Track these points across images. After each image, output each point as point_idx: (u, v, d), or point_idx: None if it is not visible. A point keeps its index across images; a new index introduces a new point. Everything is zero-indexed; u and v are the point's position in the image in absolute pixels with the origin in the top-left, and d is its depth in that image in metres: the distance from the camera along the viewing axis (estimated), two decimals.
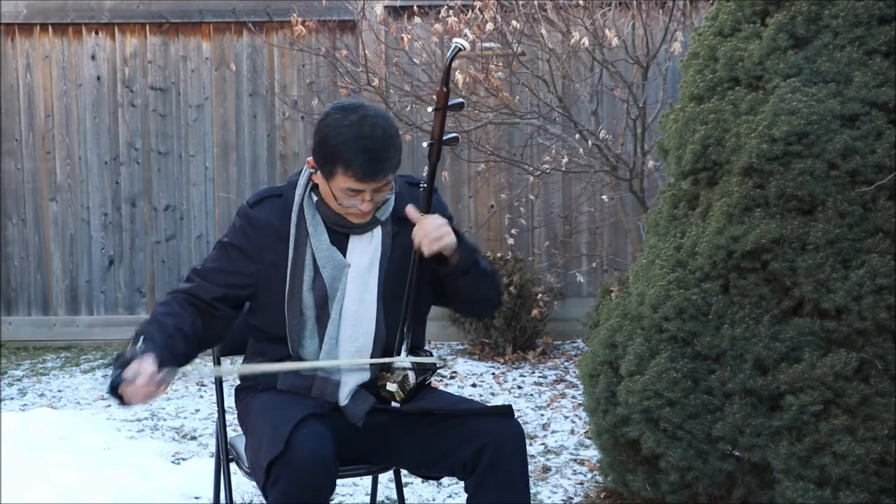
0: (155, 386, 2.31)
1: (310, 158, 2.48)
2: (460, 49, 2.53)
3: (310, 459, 2.26)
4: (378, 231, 2.52)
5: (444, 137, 2.52)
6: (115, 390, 2.32)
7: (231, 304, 2.54)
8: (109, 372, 2.46)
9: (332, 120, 2.39)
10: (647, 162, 4.96)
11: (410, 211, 2.48)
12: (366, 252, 2.50)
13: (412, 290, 2.52)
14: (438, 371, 5.48)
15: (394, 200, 2.53)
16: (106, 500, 3.60)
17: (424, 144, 2.62)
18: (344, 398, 2.50)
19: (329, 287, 2.48)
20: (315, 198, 2.51)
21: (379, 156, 2.36)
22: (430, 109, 2.59)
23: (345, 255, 2.50)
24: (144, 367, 2.30)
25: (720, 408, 2.93)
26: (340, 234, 2.51)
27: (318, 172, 2.45)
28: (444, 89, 2.52)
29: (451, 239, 2.44)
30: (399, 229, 2.52)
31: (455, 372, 5.46)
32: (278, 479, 2.26)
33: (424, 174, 2.56)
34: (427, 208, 2.51)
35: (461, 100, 2.60)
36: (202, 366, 2.79)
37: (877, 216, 2.83)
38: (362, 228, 2.50)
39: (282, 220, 2.51)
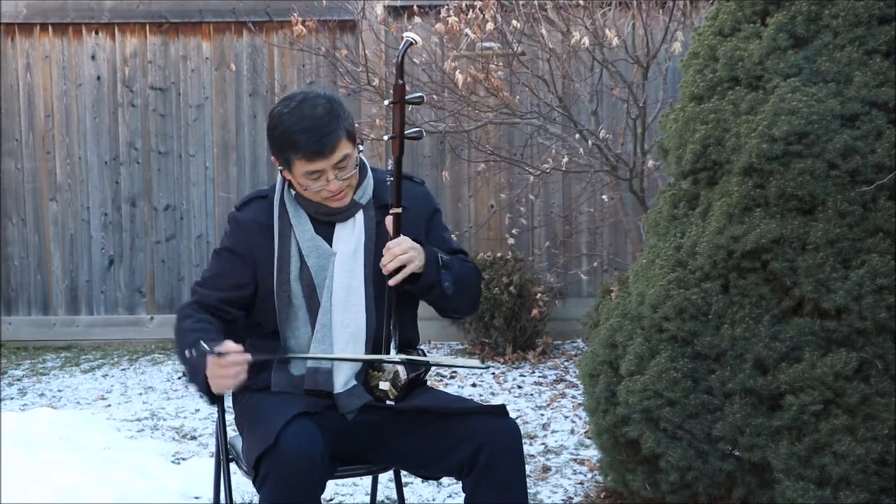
0: (245, 366, 2.34)
1: (273, 157, 2.54)
2: (412, 43, 2.56)
3: (299, 455, 2.26)
4: (360, 216, 2.56)
5: (407, 132, 2.55)
6: (195, 376, 2.39)
7: (237, 306, 2.58)
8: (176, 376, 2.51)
9: (275, 113, 2.48)
10: (647, 162, 4.96)
11: (388, 222, 2.52)
12: (350, 239, 2.54)
13: (392, 287, 2.53)
14: (437, 371, 5.48)
15: (373, 185, 2.58)
16: (106, 500, 3.60)
17: (385, 138, 2.65)
18: (339, 386, 2.51)
19: (315, 276, 2.52)
20: (294, 191, 2.56)
21: (322, 130, 2.41)
22: (386, 103, 2.63)
23: (330, 244, 2.54)
24: (230, 345, 2.34)
25: (720, 408, 2.93)
26: (325, 223, 2.55)
27: (283, 168, 2.51)
28: (400, 82, 2.55)
29: (415, 265, 2.49)
30: (382, 216, 2.56)
31: (455, 372, 5.46)
32: (268, 475, 2.28)
33: (390, 167, 2.58)
34: (397, 201, 2.52)
35: (420, 94, 2.64)
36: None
37: (877, 216, 2.83)
38: (345, 214, 2.54)
39: (268, 217, 2.57)
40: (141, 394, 5.25)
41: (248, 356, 2.36)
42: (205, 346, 2.35)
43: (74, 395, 5.27)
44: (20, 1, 6.30)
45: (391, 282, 2.50)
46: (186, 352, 2.40)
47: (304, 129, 2.41)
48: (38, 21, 6.33)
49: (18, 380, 5.59)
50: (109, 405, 5.05)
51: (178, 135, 6.39)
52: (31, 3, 6.31)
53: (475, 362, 2.58)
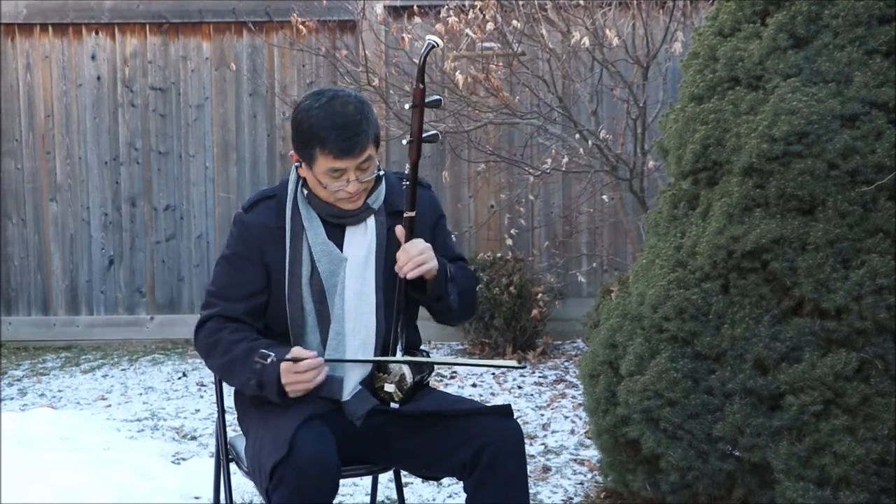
0: (321, 368, 2.37)
1: (292, 152, 2.53)
2: (434, 46, 2.56)
3: (313, 462, 2.26)
4: (372, 221, 2.54)
5: (424, 135, 2.55)
6: (267, 384, 2.39)
7: (257, 316, 2.55)
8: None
9: (303, 106, 2.47)
10: (647, 162, 4.96)
11: (398, 231, 2.51)
12: (361, 245, 2.52)
13: (402, 291, 2.53)
14: (438, 371, 5.47)
15: (384, 190, 2.56)
16: (106, 500, 3.60)
17: (404, 142, 2.64)
18: (347, 394, 2.51)
19: (326, 281, 2.50)
20: (306, 192, 2.54)
21: (353, 130, 2.41)
22: (406, 107, 2.62)
23: (341, 249, 2.52)
24: (298, 350, 2.38)
25: (720, 408, 2.93)
26: (336, 227, 2.53)
27: (302, 164, 2.50)
28: (421, 86, 2.54)
29: (432, 265, 2.48)
30: (393, 223, 2.54)
31: (455, 372, 5.46)
32: (282, 482, 2.27)
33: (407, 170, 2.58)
34: (411, 205, 2.52)
35: (438, 97, 2.63)
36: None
37: (877, 216, 2.83)
38: (357, 218, 2.52)
39: (277, 219, 2.53)
40: (141, 394, 5.25)
41: (321, 359, 2.37)
42: (270, 353, 2.37)
43: (74, 395, 5.27)
44: (20, 1, 6.30)
45: (409, 275, 2.47)
46: (256, 362, 2.39)
47: (334, 126, 2.40)
48: (38, 21, 6.33)
49: (18, 380, 5.59)
50: (109, 405, 5.05)
51: (178, 135, 6.39)
52: (31, 3, 6.31)
53: (512, 362, 2.54)
